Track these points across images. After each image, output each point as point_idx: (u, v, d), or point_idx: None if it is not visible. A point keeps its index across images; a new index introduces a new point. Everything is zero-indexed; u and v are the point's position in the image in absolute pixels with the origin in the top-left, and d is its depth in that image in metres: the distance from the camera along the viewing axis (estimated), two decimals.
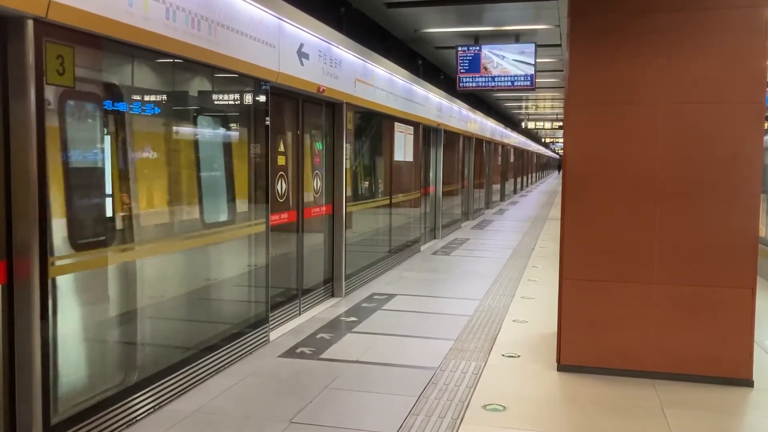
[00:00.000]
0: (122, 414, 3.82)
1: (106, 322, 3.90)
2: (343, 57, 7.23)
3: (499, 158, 23.97)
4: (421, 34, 11.56)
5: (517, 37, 11.78)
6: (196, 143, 4.82)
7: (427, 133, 12.43)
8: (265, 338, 5.52)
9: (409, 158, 10.80)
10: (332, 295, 7.47)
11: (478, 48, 11.75)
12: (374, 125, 9.11)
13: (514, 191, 30.80)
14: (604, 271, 4.83)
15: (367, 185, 8.96)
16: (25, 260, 3.19)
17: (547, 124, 33.36)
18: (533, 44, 11.56)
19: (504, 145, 24.96)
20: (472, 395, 4.39)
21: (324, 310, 6.81)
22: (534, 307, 7.00)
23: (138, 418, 3.93)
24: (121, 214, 3.92)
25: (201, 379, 4.59)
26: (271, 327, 5.70)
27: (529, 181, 42.38)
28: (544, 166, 66.51)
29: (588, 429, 3.95)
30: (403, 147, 10.34)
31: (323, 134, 7.26)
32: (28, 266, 3.18)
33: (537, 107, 28.41)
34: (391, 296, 7.55)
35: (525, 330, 6.07)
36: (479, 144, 18.24)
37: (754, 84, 4.54)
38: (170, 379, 4.27)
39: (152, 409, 4.06)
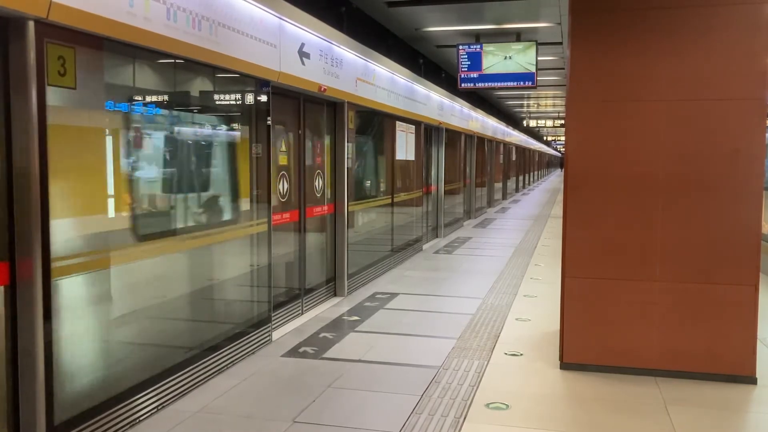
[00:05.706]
0: (125, 414, 3.82)
1: (111, 322, 3.91)
2: (344, 56, 7.23)
3: (501, 156, 23.96)
4: (422, 32, 11.55)
5: (518, 35, 11.77)
6: (197, 144, 4.82)
7: (428, 132, 12.42)
8: (267, 338, 5.53)
9: (411, 157, 10.80)
10: (334, 295, 7.47)
11: (479, 46, 11.74)
12: (376, 124, 9.11)
13: (516, 189, 30.79)
14: (607, 269, 4.82)
15: (368, 184, 8.96)
16: (27, 261, 3.19)
17: (549, 122, 33.30)
18: (534, 42, 11.55)
19: (506, 144, 24.96)
20: (474, 394, 4.39)
21: (326, 310, 6.82)
22: (536, 305, 7.00)
23: (141, 418, 3.93)
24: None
25: (204, 379, 4.59)
26: (273, 326, 5.71)
27: (531, 179, 42.36)
28: (546, 164, 66.44)
29: (591, 427, 3.94)
30: (405, 146, 10.34)
31: (325, 134, 7.26)
32: (31, 267, 3.19)
33: (538, 105, 28.36)
34: (393, 295, 7.55)
35: (528, 328, 6.07)
36: (481, 142, 18.23)
37: (757, 81, 4.53)
38: (173, 379, 4.27)
39: (155, 409, 4.06)
